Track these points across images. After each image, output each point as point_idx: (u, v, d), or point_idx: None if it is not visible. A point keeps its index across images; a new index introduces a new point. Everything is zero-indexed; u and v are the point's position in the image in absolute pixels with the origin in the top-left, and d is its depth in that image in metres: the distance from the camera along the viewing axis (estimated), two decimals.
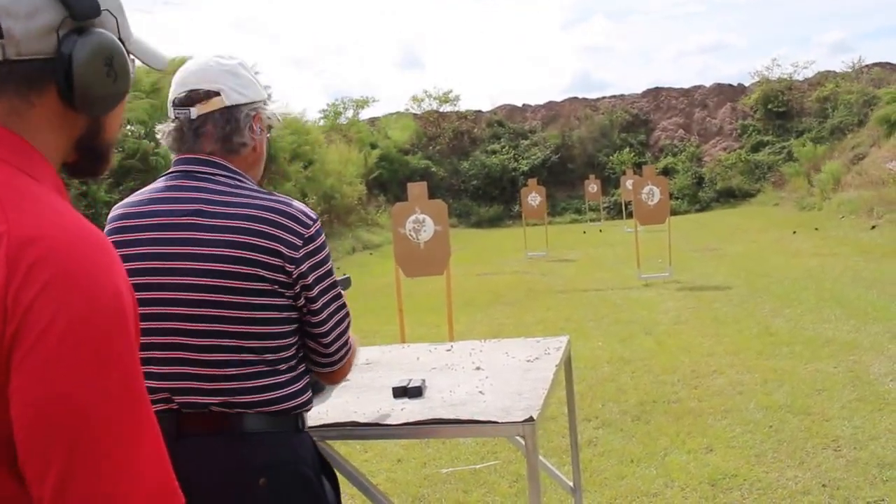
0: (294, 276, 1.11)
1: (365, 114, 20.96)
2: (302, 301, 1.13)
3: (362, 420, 1.40)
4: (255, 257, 1.08)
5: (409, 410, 1.43)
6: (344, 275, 1.39)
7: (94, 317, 0.57)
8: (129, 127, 8.84)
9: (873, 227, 9.78)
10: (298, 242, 1.11)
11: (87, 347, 0.56)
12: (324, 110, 20.46)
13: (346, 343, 1.21)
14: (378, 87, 52.51)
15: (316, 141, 14.71)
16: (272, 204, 1.12)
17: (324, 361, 1.19)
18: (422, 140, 20.92)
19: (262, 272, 1.08)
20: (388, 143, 19.51)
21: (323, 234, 1.15)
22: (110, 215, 1.19)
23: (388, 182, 18.18)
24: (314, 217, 1.15)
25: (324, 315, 1.15)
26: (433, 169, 19.80)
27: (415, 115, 21.65)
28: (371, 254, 12.90)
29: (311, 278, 1.12)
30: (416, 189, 4.38)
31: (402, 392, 1.53)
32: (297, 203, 1.15)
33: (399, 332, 4.43)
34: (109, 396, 0.57)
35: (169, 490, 0.62)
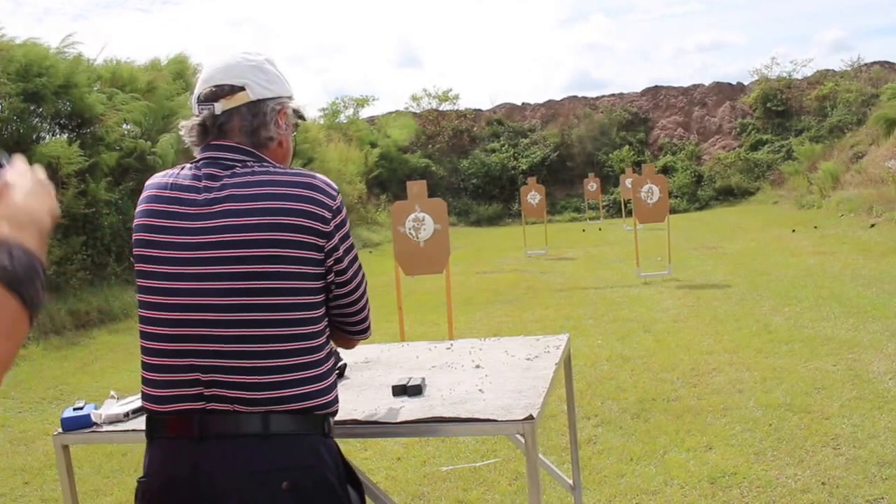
0: (326, 250, 1.11)
1: (365, 112, 20.97)
2: (332, 276, 1.13)
3: (362, 418, 1.40)
4: (288, 237, 1.07)
5: (408, 409, 1.43)
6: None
7: None
8: (125, 126, 8.83)
9: (872, 226, 9.79)
10: (328, 215, 1.11)
11: None
12: (323, 109, 20.46)
13: (369, 306, 1.24)
14: (377, 86, 52.45)
15: (315, 139, 14.70)
16: (298, 179, 1.11)
17: (358, 329, 1.22)
18: (421, 139, 20.91)
19: (296, 252, 1.08)
20: (388, 141, 19.50)
21: (344, 204, 1.17)
22: (144, 195, 1.17)
23: (388, 181, 18.17)
24: (336, 187, 1.16)
25: (353, 285, 1.17)
26: (433, 168, 19.80)
27: (414, 113, 21.63)
28: (371, 252, 12.90)
29: (341, 250, 1.14)
30: (416, 188, 4.37)
31: (401, 390, 1.53)
32: (319, 175, 1.15)
33: (399, 331, 4.43)
34: None
35: None
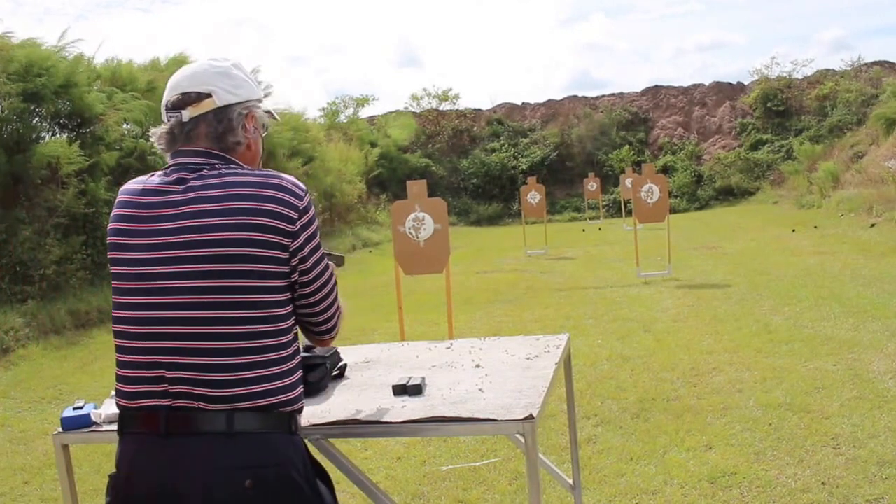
0: (291, 250, 1.12)
1: (365, 112, 20.98)
2: (296, 276, 1.14)
3: (363, 418, 1.40)
4: (254, 236, 1.09)
5: (409, 408, 1.43)
6: (339, 253, 1.43)
7: None
8: (125, 126, 8.83)
9: (872, 226, 9.79)
10: (294, 215, 1.12)
11: None
12: (323, 108, 20.47)
13: (338, 307, 1.25)
14: (378, 86, 52.48)
15: (315, 139, 14.70)
16: (264, 179, 1.12)
17: (322, 329, 1.23)
18: (421, 138, 20.91)
19: (261, 251, 1.09)
20: (388, 141, 19.51)
21: (312, 205, 1.17)
22: (117, 200, 1.20)
23: (388, 180, 18.18)
24: (304, 188, 1.17)
25: (317, 285, 1.18)
26: (433, 167, 19.80)
27: (414, 113, 21.63)
28: (371, 251, 12.89)
29: (306, 250, 1.14)
30: (416, 187, 4.37)
31: (402, 390, 1.53)
32: (286, 175, 1.16)
33: (399, 330, 4.43)
34: None
35: None
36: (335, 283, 1.25)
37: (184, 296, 1.08)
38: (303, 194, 1.14)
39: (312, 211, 1.16)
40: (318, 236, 1.19)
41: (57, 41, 8.10)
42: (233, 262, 1.08)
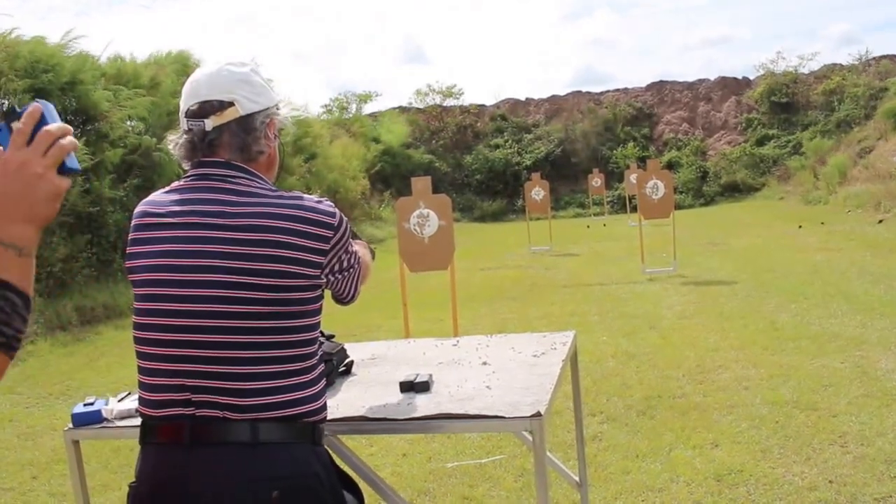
0: (324, 265, 1.15)
1: (368, 108, 20.96)
2: (324, 280, 1.17)
3: (370, 415, 1.40)
4: (289, 255, 1.09)
5: (416, 405, 1.43)
6: (372, 245, 1.46)
7: None
8: (129, 123, 8.83)
9: (880, 222, 9.73)
10: (329, 234, 1.14)
11: None
12: (327, 105, 20.46)
13: (360, 282, 1.30)
14: (381, 82, 52.46)
15: (319, 135, 14.70)
16: (297, 202, 1.13)
17: (346, 300, 1.30)
18: (425, 135, 20.88)
19: (297, 268, 1.10)
20: (391, 137, 19.50)
21: (343, 218, 1.18)
22: (135, 211, 1.20)
23: (391, 177, 18.17)
24: (332, 204, 1.18)
25: (346, 278, 1.23)
26: (436, 163, 19.77)
27: (418, 109, 21.60)
28: (375, 248, 12.88)
29: (338, 263, 1.18)
30: (421, 184, 4.36)
31: (409, 387, 1.53)
32: (314, 197, 1.17)
33: (403, 327, 4.43)
34: None
35: None
36: (359, 263, 1.27)
37: (208, 304, 1.08)
38: (334, 211, 1.16)
39: (345, 225, 1.16)
40: (350, 242, 1.20)
41: (61, 39, 8.12)
42: (261, 277, 1.08)
